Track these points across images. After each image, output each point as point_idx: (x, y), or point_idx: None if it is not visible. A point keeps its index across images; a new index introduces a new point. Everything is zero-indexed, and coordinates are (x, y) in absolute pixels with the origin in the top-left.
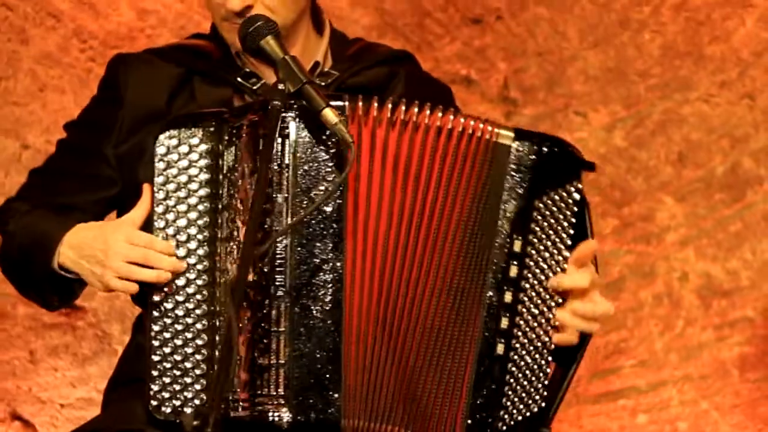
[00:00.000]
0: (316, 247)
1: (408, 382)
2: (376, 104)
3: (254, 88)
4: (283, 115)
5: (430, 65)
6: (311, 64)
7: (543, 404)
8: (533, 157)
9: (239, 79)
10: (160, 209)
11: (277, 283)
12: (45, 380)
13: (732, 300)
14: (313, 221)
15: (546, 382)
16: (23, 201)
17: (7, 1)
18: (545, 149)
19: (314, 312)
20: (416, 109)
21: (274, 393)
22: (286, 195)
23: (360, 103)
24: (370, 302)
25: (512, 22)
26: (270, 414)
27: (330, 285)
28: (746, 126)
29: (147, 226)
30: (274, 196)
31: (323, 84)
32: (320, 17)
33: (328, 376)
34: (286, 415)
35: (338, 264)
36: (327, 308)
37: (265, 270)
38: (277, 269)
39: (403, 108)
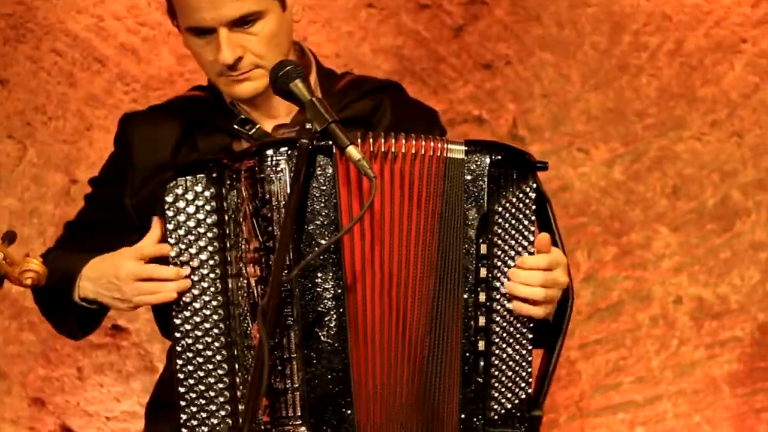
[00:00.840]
0: (318, 277)
1: (411, 389)
2: (359, 140)
3: (250, 133)
4: (277, 158)
5: (444, 106)
6: None
7: (530, 390)
8: (485, 166)
9: (236, 126)
10: (173, 253)
11: (286, 313)
12: (92, 395)
13: (722, 322)
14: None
15: (530, 370)
16: (58, 249)
17: (57, 48)
18: (495, 157)
19: (322, 337)
20: (393, 140)
21: (292, 414)
22: None
23: None
24: (373, 322)
25: (520, 67)
26: None
27: (333, 311)
28: (735, 162)
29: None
30: (275, 233)
31: None
32: (305, 57)
33: (340, 394)
34: None
35: (340, 291)
36: (333, 332)
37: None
38: (286, 301)
39: (382, 140)
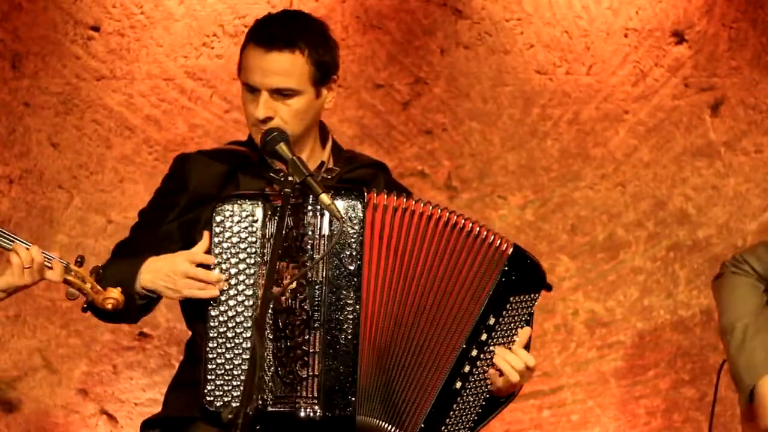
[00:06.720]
0: (342, 293)
1: (399, 390)
2: (385, 195)
3: (282, 180)
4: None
5: (395, 163)
6: (319, 163)
7: (471, 429)
8: (518, 266)
9: (272, 174)
10: (216, 260)
11: (315, 318)
12: (124, 386)
13: (609, 329)
14: (341, 276)
15: (477, 417)
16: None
17: (97, 118)
18: (526, 265)
19: (340, 339)
20: (421, 203)
21: (311, 396)
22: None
23: (373, 193)
24: (379, 335)
25: (453, 133)
26: (305, 410)
27: (350, 321)
28: (619, 206)
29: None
30: (314, 256)
31: (329, 177)
32: (325, 133)
33: (347, 384)
34: (318, 411)
35: (357, 306)
36: (348, 337)
37: (306, 308)
38: (315, 308)
39: (405, 199)
